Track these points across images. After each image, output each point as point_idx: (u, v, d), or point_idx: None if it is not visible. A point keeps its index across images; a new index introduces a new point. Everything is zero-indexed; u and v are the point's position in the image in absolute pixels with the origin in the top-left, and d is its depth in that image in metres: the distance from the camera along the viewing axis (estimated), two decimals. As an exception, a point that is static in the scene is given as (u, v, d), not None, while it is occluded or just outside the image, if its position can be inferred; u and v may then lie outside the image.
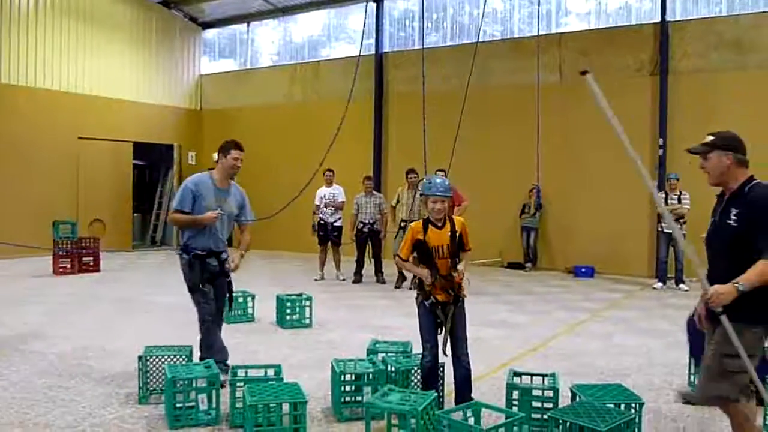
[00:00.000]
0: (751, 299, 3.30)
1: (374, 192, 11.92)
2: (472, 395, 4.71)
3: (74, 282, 11.50)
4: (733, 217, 3.52)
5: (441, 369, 4.92)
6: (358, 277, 11.62)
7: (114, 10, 16.89)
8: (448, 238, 4.68)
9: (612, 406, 4.09)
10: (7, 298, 7.96)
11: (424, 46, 13.65)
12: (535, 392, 4.54)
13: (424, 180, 4.94)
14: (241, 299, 8.00)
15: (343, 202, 11.86)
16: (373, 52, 16.11)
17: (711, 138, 3.65)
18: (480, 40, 13.29)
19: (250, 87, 18.23)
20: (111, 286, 11.14)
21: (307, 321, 7.98)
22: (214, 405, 4.62)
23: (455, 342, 4.71)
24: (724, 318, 3.36)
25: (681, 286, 11.13)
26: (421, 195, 4.88)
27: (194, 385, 4.60)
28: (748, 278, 3.32)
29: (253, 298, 8.25)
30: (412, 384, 5.05)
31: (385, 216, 11.54)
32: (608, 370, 6.15)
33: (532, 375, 4.76)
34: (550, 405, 4.45)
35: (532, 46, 13.78)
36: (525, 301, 10.05)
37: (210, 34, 19.44)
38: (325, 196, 11.84)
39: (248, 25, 18.65)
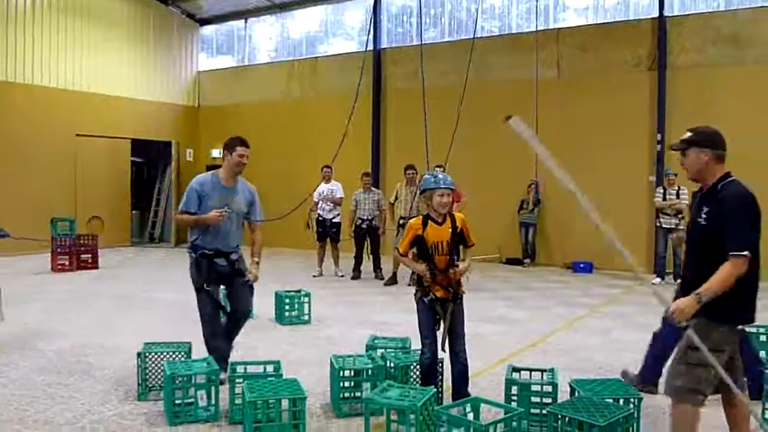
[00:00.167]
0: (718, 297, 3.29)
1: (373, 188, 11.90)
2: (471, 391, 4.72)
3: (73, 279, 11.50)
4: (704, 216, 3.50)
5: (440, 365, 4.93)
6: (356, 274, 11.62)
7: (111, 7, 16.84)
8: (448, 234, 4.68)
9: (611, 401, 4.10)
10: (6, 296, 7.96)
11: (422, 42, 13.64)
12: (534, 387, 4.55)
13: (427, 176, 4.89)
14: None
15: (342, 198, 11.86)
16: (372, 48, 16.08)
17: (689, 134, 3.61)
18: (478, 35, 13.29)
19: (248, 83, 18.20)
20: (109, 283, 11.14)
21: (306, 317, 7.98)
22: (213, 401, 4.62)
23: (453, 338, 4.71)
24: (690, 331, 3.33)
25: (679, 281, 11.13)
26: (423, 191, 4.79)
27: (193, 381, 4.60)
28: (710, 287, 3.29)
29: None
30: (411, 380, 5.06)
31: (383, 212, 11.53)
32: (607, 365, 6.17)
33: (530, 370, 4.77)
34: (549, 400, 4.45)
35: (531, 41, 13.78)
36: (524, 297, 10.06)
37: (207, 30, 19.40)
38: (323, 193, 11.84)
39: (246, 22, 18.61)
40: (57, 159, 15.35)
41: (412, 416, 3.92)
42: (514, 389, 4.55)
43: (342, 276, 11.75)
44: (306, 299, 8.00)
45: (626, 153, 12.91)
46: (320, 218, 11.85)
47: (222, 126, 18.32)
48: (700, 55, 12.55)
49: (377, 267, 11.63)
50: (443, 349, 4.71)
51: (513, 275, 12.50)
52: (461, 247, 4.84)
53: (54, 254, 12.42)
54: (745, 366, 3.79)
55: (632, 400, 4.21)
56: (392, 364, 5.04)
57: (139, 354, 5.12)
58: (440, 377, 4.97)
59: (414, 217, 10.25)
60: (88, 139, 16.00)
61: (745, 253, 3.29)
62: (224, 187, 5.44)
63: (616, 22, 13.54)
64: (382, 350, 5.41)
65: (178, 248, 16.41)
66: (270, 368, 4.88)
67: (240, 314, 5.59)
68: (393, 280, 11.03)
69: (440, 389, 4.92)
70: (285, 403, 4.20)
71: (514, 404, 4.40)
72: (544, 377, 4.66)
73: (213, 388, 4.63)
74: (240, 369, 4.81)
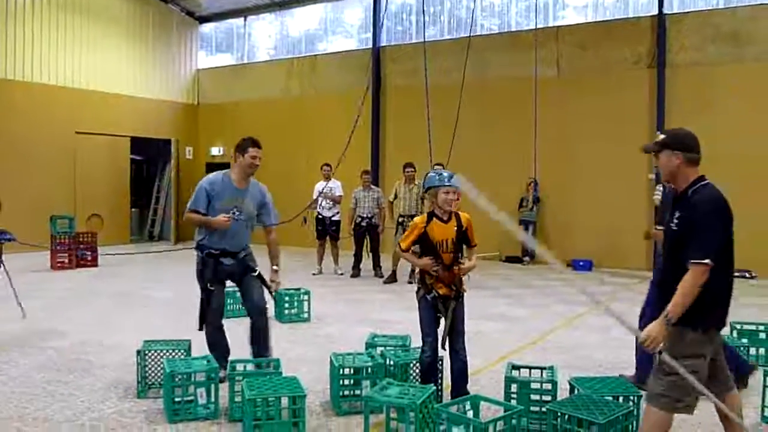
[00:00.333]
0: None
1: (372, 186, 11.89)
2: (471, 388, 4.72)
3: (72, 277, 11.50)
4: (675, 221, 3.44)
5: (440, 363, 4.93)
6: (356, 272, 11.62)
7: (111, 4, 16.83)
8: (453, 232, 4.67)
9: (610, 398, 4.11)
10: (6, 293, 7.97)
11: (425, 40, 13.63)
12: (534, 385, 4.55)
13: (431, 174, 4.87)
14: (239, 294, 7.97)
15: (341, 196, 11.86)
16: (371, 45, 16.08)
17: (662, 136, 3.55)
18: (477, 33, 13.29)
19: (247, 81, 18.19)
20: (109, 280, 11.14)
21: (306, 315, 7.99)
22: (212, 399, 4.63)
23: (454, 336, 4.71)
24: (664, 356, 3.27)
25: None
26: (429, 188, 4.76)
27: (193, 379, 4.60)
28: (676, 303, 3.24)
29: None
30: (411, 378, 5.06)
31: (383, 210, 11.52)
32: (606, 362, 6.17)
33: (530, 368, 4.77)
34: (549, 398, 4.45)
35: (530, 39, 13.75)
36: (524, 295, 10.07)
37: (207, 28, 19.39)
38: (322, 191, 11.84)
39: (245, 20, 18.60)
40: (56, 156, 15.35)
41: (412, 414, 3.92)
42: (514, 387, 4.55)
43: (341, 274, 11.75)
44: (305, 297, 8.00)
45: (626, 151, 12.82)
46: (320, 216, 11.85)
47: (221, 124, 18.36)
48: (699, 52, 12.55)
49: (377, 265, 11.63)
50: (443, 347, 4.71)
51: (513, 273, 12.50)
52: (464, 246, 4.84)
53: (53, 252, 12.42)
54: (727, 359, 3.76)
55: (632, 397, 4.22)
56: (392, 362, 5.05)
57: (138, 352, 5.12)
58: (440, 375, 4.98)
59: (415, 215, 10.32)
60: (87, 137, 16.00)
61: (705, 261, 3.20)
62: (236, 188, 5.34)
63: (616, 19, 13.54)
64: (382, 348, 5.42)
65: (181, 249, 16.39)
66: (269, 366, 4.88)
67: (256, 310, 5.43)
68: (392, 278, 11.03)
69: (440, 387, 4.92)
70: (284, 401, 4.20)
71: (513, 402, 4.41)
72: (544, 375, 4.66)
73: (212, 385, 4.63)
74: (239, 367, 4.81)
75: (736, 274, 12.85)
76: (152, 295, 9.74)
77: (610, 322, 7.99)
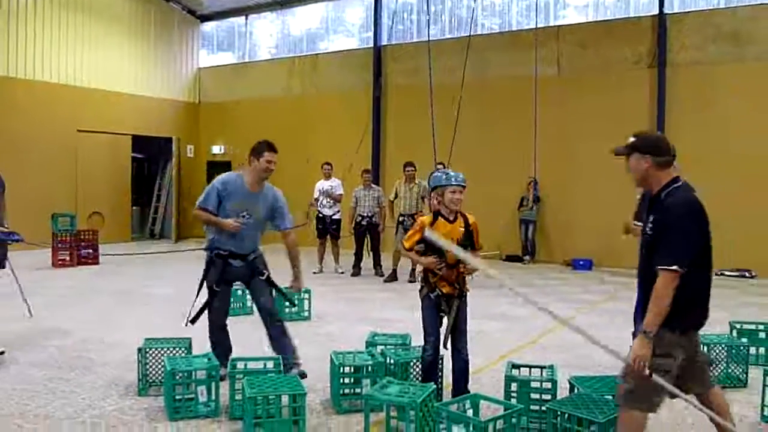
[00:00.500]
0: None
1: (373, 185, 11.89)
2: (472, 387, 4.73)
3: (73, 274, 11.51)
4: (650, 225, 3.37)
5: (440, 361, 4.94)
6: (356, 270, 11.63)
7: (112, 3, 16.84)
8: (459, 232, 4.68)
9: (610, 397, 4.11)
10: (7, 291, 7.98)
11: (424, 39, 13.64)
12: (534, 384, 4.56)
13: (438, 173, 4.87)
14: (240, 292, 8.00)
15: (342, 195, 11.86)
16: (372, 45, 16.08)
17: (632, 140, 3.46)
18: (478, 32, 13.28)
19: (249, 80, 18.19)
20: (110, 278, 11.15)
21: (306, 314, 8.00)
22: (213, 397, 4.64)
23: (456, 335, 4.71)
24: (656, 377, 3.23)
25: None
26: (435, 187, 4.75)
27: (193, 377, 4.62)
28: (651, 315, 3.20)
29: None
30: (411, 376, 5.07)
31: (383, 209, 11.53)
32: (606, 362, 6.15)
33: (530, 367, 4.78)
34: (549, 397, 4.47)
35: (530, 38, 13.75)
36: (525, 294, 10.05)
37: (208, 26, 19.39)
38: (323, 190, 11.85)
39: (246, 18, 18.60)
40: (58, 154, 15.36)
41: (412, 413, 3.93)
42: (514, 386, 4.57)
43: (342, 273, 11.76)
44: (306, 296, 8.00)
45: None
46: (320, 215, 11.86)
47: (222, 122, 18.37)
48: (700, 52, 12.54)
49: (377, 264, 11.64)
50: (445, 346, 4.72)
51: (513, 272, 12.49)
52: (468, 248, 4.83)
53: (55, 250, 12.43)
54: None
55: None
56: (392, 361, 5.06)
57: (139, 349, 5.13)
58: (440, 374, 4.99)
59: (415, 214, 10.33)
60: (88, 135, 16.01)
61: (673, 267, 3.14)
62: (248, 191, 5.30)
63: (616, 19, 13.53)
64: (382, 347, 5.43)
65: (183, 249, 16.40)
66: (270, 364, 4.89)
67: (266, 312, 5.45)
68: (393, 277, 11.04)
69: (440, 386, 4.93)
70: (285, 399, 4.21)
71: (513, 401, 4.42)
72: (544, 374, 4.67)
73: (213, 383, 4.65)
74: (240, 365, 4.83)
75: (736, 273, 12.83)
76: (153, 292, 9.76)
77: (610, 322, 8.04)
